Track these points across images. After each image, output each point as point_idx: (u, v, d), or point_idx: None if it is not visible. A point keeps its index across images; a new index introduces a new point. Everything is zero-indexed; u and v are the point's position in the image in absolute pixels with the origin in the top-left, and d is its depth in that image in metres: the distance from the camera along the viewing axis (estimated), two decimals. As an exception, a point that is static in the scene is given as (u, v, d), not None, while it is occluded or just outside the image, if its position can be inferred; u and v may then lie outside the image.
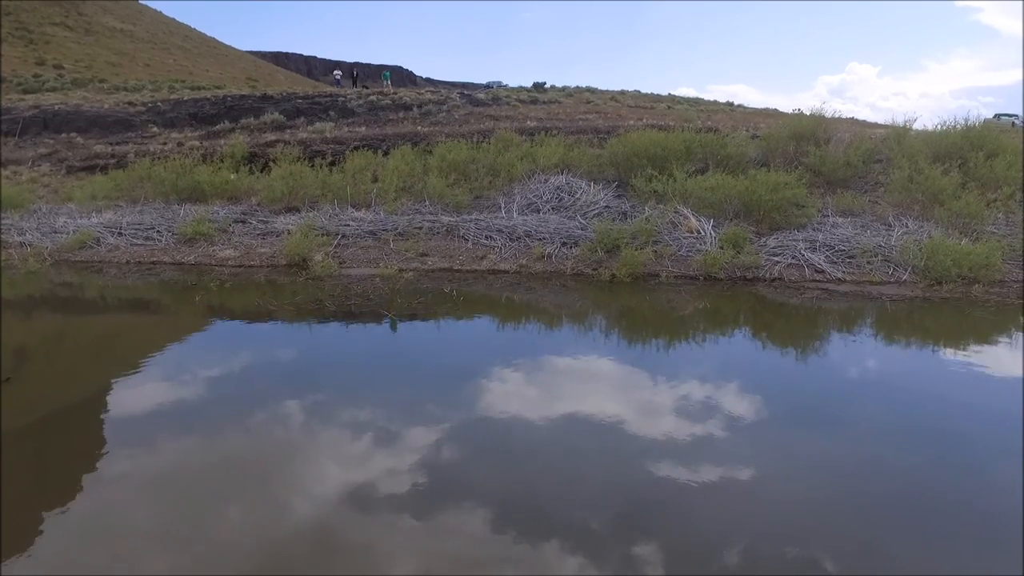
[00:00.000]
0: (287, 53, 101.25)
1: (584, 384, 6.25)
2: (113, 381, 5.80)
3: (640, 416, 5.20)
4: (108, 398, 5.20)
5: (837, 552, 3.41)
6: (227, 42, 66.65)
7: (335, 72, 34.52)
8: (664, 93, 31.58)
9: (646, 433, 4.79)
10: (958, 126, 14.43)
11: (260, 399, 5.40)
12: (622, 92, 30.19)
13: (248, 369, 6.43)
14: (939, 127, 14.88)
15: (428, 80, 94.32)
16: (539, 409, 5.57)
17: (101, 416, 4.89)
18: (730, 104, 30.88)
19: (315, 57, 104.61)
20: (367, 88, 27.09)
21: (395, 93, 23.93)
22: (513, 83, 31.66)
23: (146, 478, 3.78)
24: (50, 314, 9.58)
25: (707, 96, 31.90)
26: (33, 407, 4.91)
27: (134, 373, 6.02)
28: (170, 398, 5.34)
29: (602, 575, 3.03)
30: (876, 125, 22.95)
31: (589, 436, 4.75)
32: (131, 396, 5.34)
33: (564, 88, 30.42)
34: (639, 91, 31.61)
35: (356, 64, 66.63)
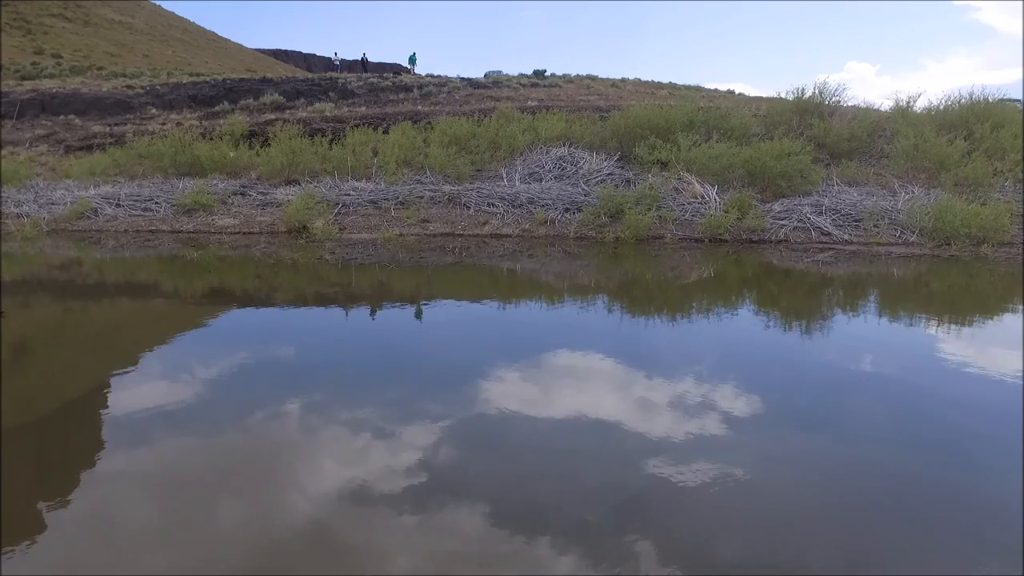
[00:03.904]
0: (287, 51, 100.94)
1: (585, 360, 5.40)
2: (111, 375, 5.26)
3: (639, 401, 4.52)
4: (106, 392, 4.85)
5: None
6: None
7: (334, 53, 34.21)
8: (665, 81, 31.46)
9: (647, 420, 3.99)
10: (962, 100, 14.35)
11: (261, 384, 4.75)
12: (623, 80, 30.08)
13: (249, 356, 5.51)
14: (943, 103, 14.79)
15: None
16: (532, 371, 5.41)
17: (99, 409, 4.55)
18: (731, 92, 30.79)
19: (315, 55, 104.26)
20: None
21: (397, 76, 23.81)
22: (513, 73, 31.38)
23: (144, 474, 3.54)
24: (44, 286, 9.40)
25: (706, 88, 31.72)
26: (32, 400, 4.60)
27: (131, 367, 5.35)
28: (169, 383, 4.80)
29: (599, 573, 2.71)
30: (878, 111, 22.79)
31: (588, 428, 3.93)
32: (129, 386, 4.88)
33: (565, 75, 30.30)
34: (639, 79, 31.50)
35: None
